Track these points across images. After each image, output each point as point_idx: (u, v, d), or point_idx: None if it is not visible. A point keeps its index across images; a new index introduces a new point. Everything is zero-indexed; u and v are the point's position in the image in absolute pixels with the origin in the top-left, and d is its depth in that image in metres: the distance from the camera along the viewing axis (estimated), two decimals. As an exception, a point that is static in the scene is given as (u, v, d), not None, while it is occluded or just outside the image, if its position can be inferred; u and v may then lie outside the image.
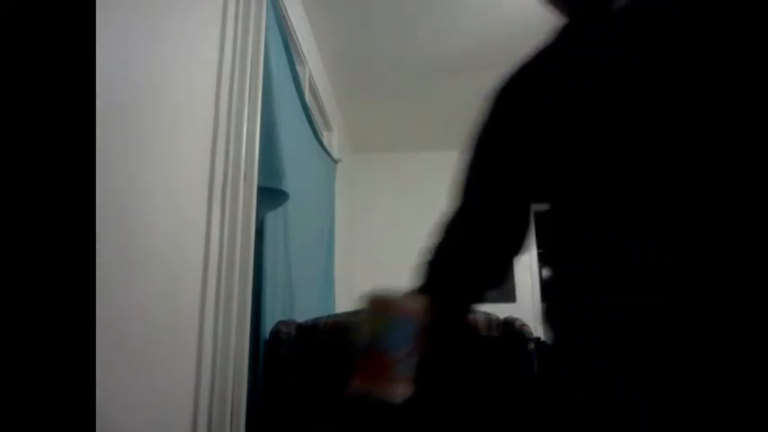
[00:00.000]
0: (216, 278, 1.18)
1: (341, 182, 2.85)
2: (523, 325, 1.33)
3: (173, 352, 0.99)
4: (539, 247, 3.86)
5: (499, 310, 1.45)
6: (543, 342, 1.29)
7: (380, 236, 3.89)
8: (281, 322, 1.37)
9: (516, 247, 0.70)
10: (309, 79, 2.37)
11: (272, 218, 1.43)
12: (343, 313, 1.44)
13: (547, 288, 0.63)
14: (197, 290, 1.10)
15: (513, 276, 3.73)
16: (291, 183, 1.47)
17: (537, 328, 2.07)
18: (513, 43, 2.60)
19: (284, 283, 1.55)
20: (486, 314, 1.34)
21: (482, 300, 0.70)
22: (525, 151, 0.67)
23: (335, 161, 2.66)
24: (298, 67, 1.96)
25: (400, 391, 0.60)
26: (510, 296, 3.67)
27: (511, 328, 1.34)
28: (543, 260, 4.81)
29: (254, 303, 1.25)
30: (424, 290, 0.69)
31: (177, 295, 1.01)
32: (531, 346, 1.27)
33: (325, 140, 2.68)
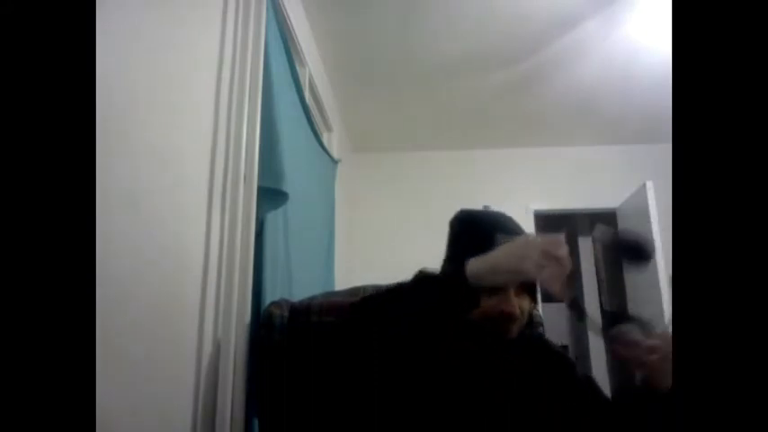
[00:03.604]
0: (216, 278, 1.18)
1: (341, 182, 2.85)
2: (533, 309, 1.26)
3: (173, 353, 0.99)
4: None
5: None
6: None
7: (380, 236, 3.89)
8: (272, 304, 1.25)
9: None
10: (309, 79, 2.37)
11: (272, 218, 1.43)
12: (342, 292, 1.33)
13: None
14: (197, 290, 1.10)
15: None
16: (291, 183, 1.47)
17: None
18: (511, 44, 2.61)
19: (284, 284, 1.55)
20: None
21: None
22: None
23: (335, 161, 2.66)
24: (298, 67, 1.96)
25: None
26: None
27: None
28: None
29: (254, 304, 1.25)
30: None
31: (177, 295, 1.01)
32: (540, 329, 1.19)
33: (325, 140, 2.68)
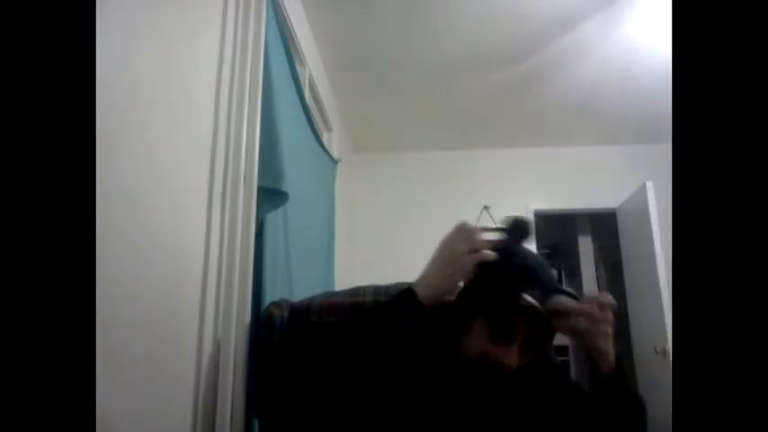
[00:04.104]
0: (216, 278, 1.18)
1: (341, 182, 2.85)
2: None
3: (172, 353, 0.99)
4: (538, 247, 3.87)
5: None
6: None
7: (380, 236, 3.89)
8: (272, 304, 1.24)
9: None
10: (309, 79, 2.37)
11: (272, 218, 1.43)
12: (342, 292, 1.31)
13: None
14: (197, 290, 1.10)
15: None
16: (291, 183, 1.47)
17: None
18: (510, 44, 2.61)
19: (284, 284, 1.55)
20: None
21: None
22: None
23: (335, 161, 2.66)
24: (298, 67, 1.96)
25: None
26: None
27: None
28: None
29: (254, 304, 1.25)
30: None
31: (177, 296, 1.01)
32: None
33: (325, 140, 2.68)
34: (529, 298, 0.86)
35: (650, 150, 3.85)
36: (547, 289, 0.88)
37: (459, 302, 0.94)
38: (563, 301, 0.85)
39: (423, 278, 0.87)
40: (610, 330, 0.86)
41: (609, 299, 0.87)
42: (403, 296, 0.86)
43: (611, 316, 0.86)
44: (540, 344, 0.91)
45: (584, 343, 0.89)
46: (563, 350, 4.87)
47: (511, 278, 0.90)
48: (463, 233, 0.87)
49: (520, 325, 0.87)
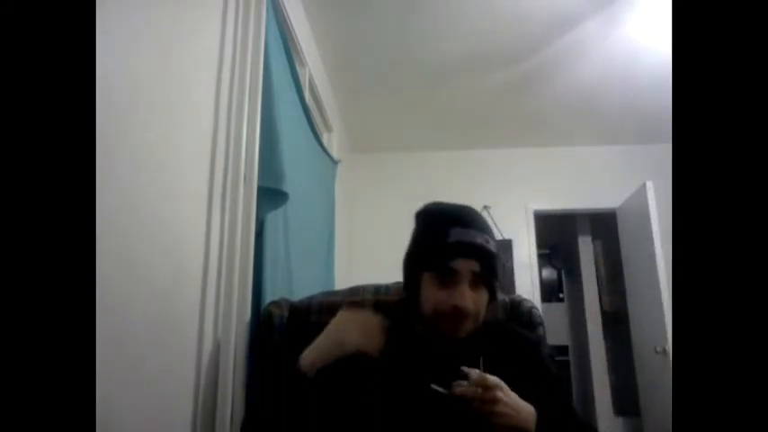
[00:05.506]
0: (216, 278, 1.18)
1: (341, 182, 2.85)
2: (532, 308, 1.20)
3: (173, 353, 0.99)
4: (539, 247, 3.87)
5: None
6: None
7: (380, 236, 3.89)
8: (272, 303, 1.24)
9: None
10: (309, 79, 2.37)
11: (272, 218, 1.43)
12: (341, 291, 1.31)
13: None
14: (197, 290, 1.10)
15: (513, 275, 3.73)
16: (291, 183, 1.47)
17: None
18: (511, 44, 2.61)
19: (284, 284, 1.55)
20: None
21: None
22: None
23: (335, 162, 2.66)
24: (298, 67, 1.96)
25: None
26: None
27: (518, 310, 1.21)
28: (543, 260, 4.83)
29: (254, 304, 1.25)
30: None
31: (177, 296, 1.01)
32: (541, 330, 1.17)
33: (325, 141, 2.68)
34: (458, 236, 0.87)
35: (650, 150, 3.85)
36: (471, 226, 0.90)
37: (406, 266, 0.98)
38: (460, 387, 0.81)
39: (308, 354, 0.91)
40: (503, 409, 0.80)
41: (491, 380, 0.81)
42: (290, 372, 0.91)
43: (495, 395, 0.80)
44: (489, 275, 0.89)
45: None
46: (563, 350, 4.87)
47: (436, 223, 0.93)
48: (348, 315, 0.94)
49: (460, 263, 0.87)
